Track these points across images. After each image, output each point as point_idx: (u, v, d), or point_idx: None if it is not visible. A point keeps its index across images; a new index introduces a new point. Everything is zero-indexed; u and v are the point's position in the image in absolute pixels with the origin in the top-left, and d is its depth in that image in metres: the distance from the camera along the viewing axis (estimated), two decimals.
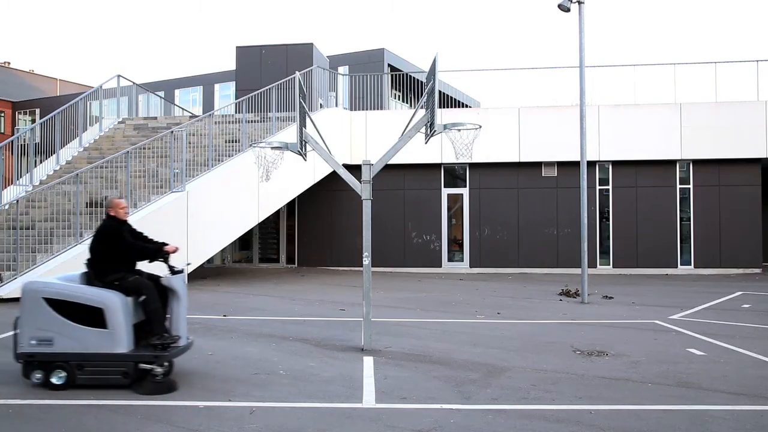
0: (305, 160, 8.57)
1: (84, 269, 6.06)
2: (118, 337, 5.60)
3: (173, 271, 6.06)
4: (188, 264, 6.09)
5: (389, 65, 29.53)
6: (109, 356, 5.58)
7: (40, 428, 4.71)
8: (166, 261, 6.09)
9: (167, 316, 5.95)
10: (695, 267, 18.27)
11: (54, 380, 5.56)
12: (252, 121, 16.65)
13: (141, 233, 6.42)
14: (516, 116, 18.54)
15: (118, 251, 5.99)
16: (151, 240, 6.38)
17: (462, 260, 19.00)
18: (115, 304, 5.65)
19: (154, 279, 6.03)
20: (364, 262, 7.60)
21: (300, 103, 8.01)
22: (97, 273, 5.91)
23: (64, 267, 11.83)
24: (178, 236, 13.65)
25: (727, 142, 17.90)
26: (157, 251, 6.12)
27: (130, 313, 5.78)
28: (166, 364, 5.70)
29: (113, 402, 5.33)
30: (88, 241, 12.25)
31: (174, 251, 6.12)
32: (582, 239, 12.47)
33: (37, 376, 5.59)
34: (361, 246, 8.00)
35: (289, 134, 14.87)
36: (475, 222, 18.91)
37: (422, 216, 19.09)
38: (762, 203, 18.61)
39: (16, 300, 10.98)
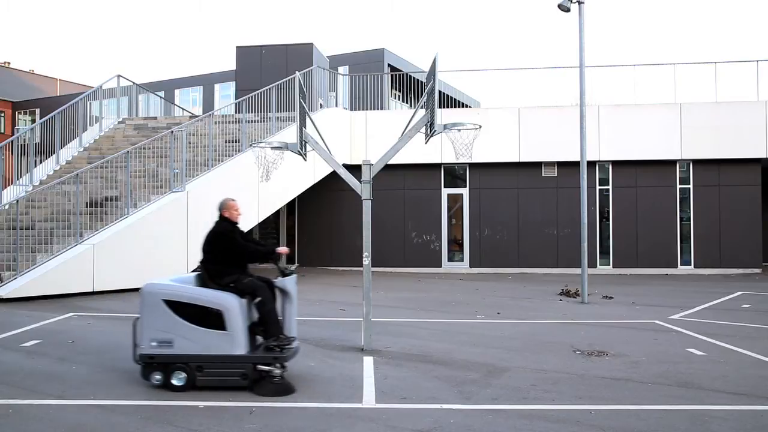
0: (305, 160, 8.57)
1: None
2: (237, 338, 5.60)
3: (284, 273, 6.06)
4: (296, 265, 6.05)
5: (389, 65, 29.54)
6: (229, 358, 5.59)
7: (40, 428, 4.71)
8: (276, 263, 6.09)
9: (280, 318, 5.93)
10: (695, 267, 18.27)
11: (174, 382, 5.57)
12: (252, 121, 16.65)
13: (248, 235, 6.36)
14: (516, 116, 18.54)
15: (231, 253, 5.96)
16: (261, 242, 6.37)
17: (462, 260, 19.00)
18: (234, 306, 5.66)
19: (265, 280, 6.02)
20: (364, 262, 7.60)
21: (300, 103, 8.01)
22: (211, 275, 5.89)
23: (65, 267, 11.85)
24: (178, 236, 13.66)
25: (727, 142, 17.90)
26: (270, 253, 6.11)
27: (246, 315, 5.79)
28: (284, 365, 5.72)
29: (113, 402, 5.33)
30: (88, 241, 12.33)
31: (286, 253, 6.10)
32: (582, 239, 12.47)
33: (157, 377, 5.62)
34: (361, 246, 8.00)
35: (289, 134, 14.87)
36: (475, 222, 18.91)
37: (422, 216, 19.09)
38: (762, 203, 18.62)
39: (16, 300, 11.02)
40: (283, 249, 6.14)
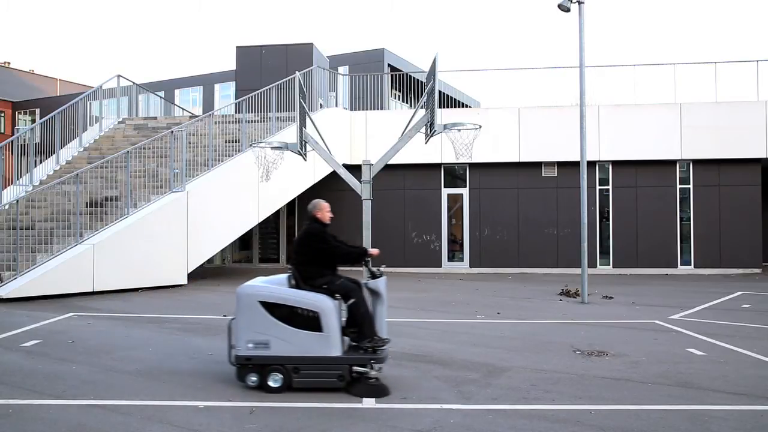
0: (305, 160, 8.57)
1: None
2: (333, 340, 5.61)
3: (374, 275, 6.03)
4: (383, 266, 6.04)
5: (389, 65, 29.53)
6: (326, 359, 5.59)
7: (40, 428, 4.71)
8: (367, 265, 6.09)
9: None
10: (695, 267, 18.27)
11: (271, 383, 5.57)
12: (252, 121, 16.65)
13: (334, 237, 6.34)
14: (516, 116, 18.54)
15: (324, 254, 5.96)
16: (349, 244, 6.28)
17: (462, 260, 19.00)
18: (330, 307, 5.67)
19: (357, 282, 6.02)
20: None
21: (300, 103, 8.01)
22: (304, 277, 5.87)
23: (65, 267, 11.85)
24: (178, 236, 13.67)
25: (727, 142, 17.90)
26: (362, 255, 6.11)
27: (340, 317, 5.79)
28: (379, 366, 5.72)
29: (113, 402, 5.33)
30: (88, 241, 12.32)
31: (377, 254, 6.08)
32: (582, 239, 12.47)
33: (253, 378, 5.62)
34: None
35: (289, 134, 14.87)
36: (475, 222, 18.91)
37: (422, 216, 19.08)
38: (762, 203, 18.62)
39: (16, 300, 11.02)
40: (374, 251, 6.14)
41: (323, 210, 6.23)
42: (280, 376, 5.57)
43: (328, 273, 5.95)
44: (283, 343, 5.58)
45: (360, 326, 5.75)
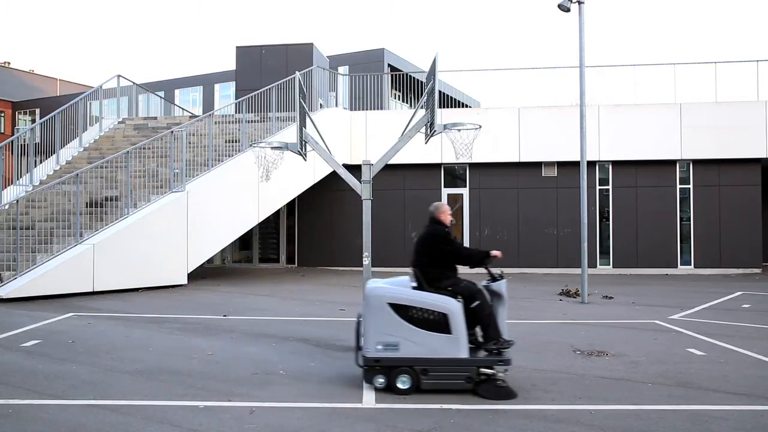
0: (305, 160, 8.57)
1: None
2: (461, 342, 5.61)
3: (494, 277, 6.02)
4: (502, 270, 6.15)
5: (389, 65, 29.52)
6: (454, 361, 5.59)
7: (40, 428, 4.71)
8: (487, 267, 6.05)
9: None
10: (695, 267, 18.27)
11: (399, 385, 5.56)
12: (252, 121, 16.65)
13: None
14: (516, 116, 18.53)
15: (448, 255, 5.97)
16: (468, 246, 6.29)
17: None
18: (458, 309, 5.66)
19: (473, 284, 6.00)
20: (364, 262, 7.60)
21: (300, 103, 8.01)
22: (429, 278, 5.88)
23: (65, 267, 11.85)
24: (178, 236, 13.67)
25: (727, 142, 17.90)
26: (485, 256, 6.05)
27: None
28: (505, 369, 5.73)
29: (114, 402, 5.33)
30: (88, 241, 12.32)
31: (500, 257, 6.06)
32: (582, 239, 12.47)
33: (380, 380, 5.61)
34: (361, 246, 8.00)
35: (289, 134, 14.87)
36: (475, 222, 18.91)
37: (422, 216, 18.91)
38: (762, 203, 18.62)
39: (16, 300, 11.02)
40: (496, 252, 6.11)
41: (445, 212, 6.21)
42: (409, 377, 5.57)
43: (451, 275, 5.97)
44: (412, 344, 5.59)
45: (485, 328, 5.75)
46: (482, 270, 6.02)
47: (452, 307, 5.65)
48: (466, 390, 5.58)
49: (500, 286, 5.95)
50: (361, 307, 5.99)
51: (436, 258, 5.93)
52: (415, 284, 5.94)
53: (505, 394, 5.54)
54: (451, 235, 6.14)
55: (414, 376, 5.55)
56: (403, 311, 5.64)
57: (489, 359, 5.67)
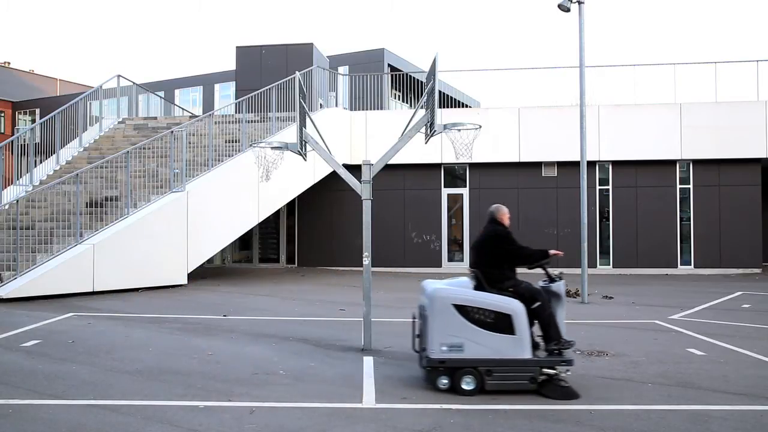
0: (305, 160, 8.57)
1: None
2: (525, 342, 5.64)
3: (552, 278, 6.05)
4: (561, 272, 6.21)
5: (389, 65, 29.52)
6: (518, 362, 5.62)
7: (40, 428, 4.71)
8: (545, 268, 6.07)
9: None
10: (695, 267, 18.27)
11: (464, 386, 5.58)
12: (252, 121, 16.65)
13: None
14: (516, 116, 18.54)
15: (509, 255, 5.99)
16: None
17: (462, 260, 18.98)
18: (522, 310, 5.70)
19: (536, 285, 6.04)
20: (364, 262, 7.60)
21: (300, 103, 8.01)
22: (490, 279, 5.90)
23: (65, 267, 11.85)
24: (178, 236, 13.67)
25: (727, 142, 17.90)
26: (544, 256, 6.04)
27: None
28: (567, 369, 5.77)
29: (114, 402, 5.33)
30: (88, 241, 12.31)
31: (561, 255, 6.09)
32: (582, 239, 12.47)
33: (444, 381, 5.62)
34: (361, 246, 8.00)
35: (289, 134, 14.87)
36: (475, 222, 18.89)
37: (422, 216, 19.08)
38: (762, 203, 18.61)
39: (16, 300, 11.02)
40: (556, 251, 6.12)
41: (506, 214, 6.25)
42: (473, 378, 5.59)
43: (511, 276, 5.99)
44: (476, 345, 5.61)
45: (546, 329, 5.77)
46: (535, 270, 6.04)
47: (516, 308, 5.69)
48: (529, 390, 5.61)
49: (559, 286, 5.99)
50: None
51: (497, 258, 5.96)
52: (475, 285, 5.96)
53: (569, 394, 5.57)
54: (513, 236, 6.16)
55: (478, 377, 5.59)
56: (468, 312, 5.67)
57: (552, 359, 5.71)
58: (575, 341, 5.88)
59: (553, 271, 6.09)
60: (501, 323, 5.63)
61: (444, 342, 5.61)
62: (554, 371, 5.68)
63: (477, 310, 5.67)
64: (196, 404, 5.27)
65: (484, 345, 5.61)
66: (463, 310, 5.66)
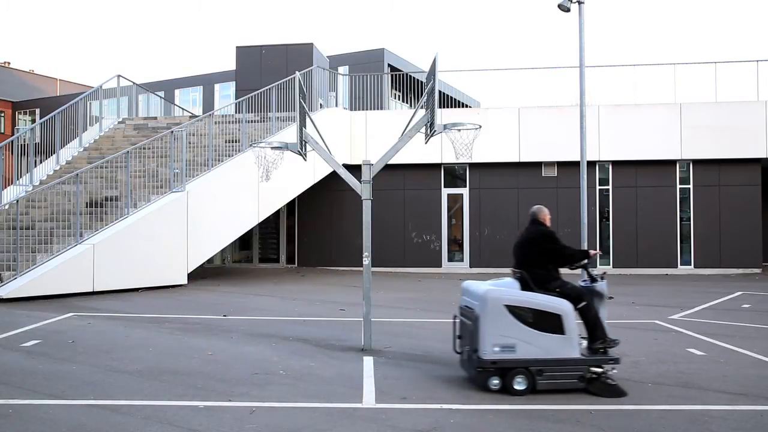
0: (305, 160, 8.57)
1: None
2: (574, 342, 5.72)
3: (593, 277, 6.12)
4: (605, 272, 6.38)
5: (389, 65, 29.52)
6: (568, 361, 5.68)
7: (40, 428, 4.71)
8: (586, 267, 6.16)
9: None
10: (695, 267, 18.26)
11: (516, 386, 5.61)
12: (252, 121, 16.65)
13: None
14: (516, 116, 18.54)
15: (553, 255, 6.07)
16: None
17: (462, 260, 19.00)
18: (571, 310, 5.78)
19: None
20: (364, 262, 7.60)
21: (300, 103, 8.01)
22: (537, 280, 5.96)
23: (65, 267, 11.85)
24: (178, 236, 13.67)
25: (727, 142, 17.90)
26: (585, 255, 6.16)
27: None
28: (612, 367, 5.83)
29: (114, 402, 5.33)
30: (88, 241, 12.31)
31: (599, 254, 6.17)
32: (582, 239, 12.47)
33: (495, 382, 5.65)
34: (361, 246, 8.00)
35: (289, 134, 14.86)
36: (475, 222, 18.91)
37: (422, 216, 19.08)
38: (762, 203, 18.61)
39: (16, 300, 11.02)
40: (595, 251, 6.25)
41: (547, 215, 6.36)
42: (524, 378, 5.62)
43: (557, 276, 6.06)
44: (528, 346, 5.66)
45: (592, 328, 5.84)
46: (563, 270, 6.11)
47: (566, 308, 5.76)
48: (577, 389, 5.65)
49: (603, 286, 6.07)
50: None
51: (541, 258, 6.02)
52: (521, 286, 5.99)
53: (617, 392, 5.62)
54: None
55: (529, 377, 5.62)
56: (519, 313, 5.71)
57: (600, 358, 5.77)
58: (620, 340, 5.96)
59: (597, 271, 6.22)
60: (551, 323, 5.70)
61: (496, 343, 5.64)
62: (601, 369, 5.74)
63: (528, 310, 5.72)
64: (196, 404, 5.27)
65: (535, 345, 5.66)
66: (515, 311, 5.71)
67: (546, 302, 5.77)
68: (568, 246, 6.16)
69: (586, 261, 6.10)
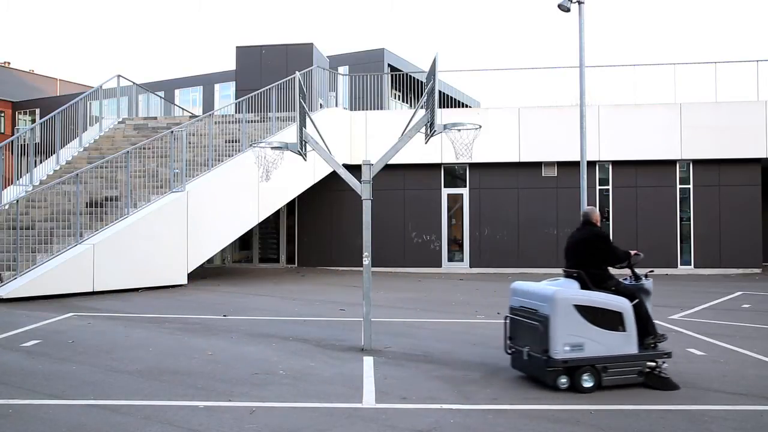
0: (305, 160, 8.57)
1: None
2: (633, 338, 5.92)
3: (637, 276, 6.40)
4: (651, 271, 6.68)
5: (389, 65, 29.52)
6: (629, 357, 5.89)
7: (40, 428, 4.71)
8: (632, 267, 6.43)
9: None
10: (695, 267, 18.26)
11: (585, 384, 5.74)
12: (252, 121, 16.65)
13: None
14: (516, 116, 18.53)
15: (607, 255, 6.30)
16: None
17: (462, 260, 19.00)
18: (629, 307, 5.98)
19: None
20: (364, 262, 7.60)
21: (300, 103, 8.01)
22: (595, 279, 6.15)
23: (65, 267, 11.85)
24: (178, 236, 13.67)
25: (727, 142, 17.89)
26: (629, 255, 6.41)
27: None
28: (663, 361, 6.02)
29: (114, 402, 5.33)
30: (88, 241, 12.31)
31: (640, 256, 6.49)
32: None
33: (563, 381, 5.76)
34: (361, 246, 8.00)
35: (289, 134, 14.86)
36: (475, 222, 18.90)
37: (422, 216, 19.08)
38: (762, 203, 18.61)
39: (16, 300, 11.02)
40: (636, 252, 6.48)
41: (598, 216, 6.67)
42: (591, 376, 5.75)
43: (611, 275, 6.26)
44: (594, 344, 5.82)
45: (645, 324, 6.02)
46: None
47: (626, 305, 5.97)
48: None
49: (649, 284, 6.36)
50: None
51: (595, 259, 6.23)
52: (580, 285, 6.14)
53: (671, 385, 5.85)
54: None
55: (595, 374, 5.76)
56: (587, 313, 5.85)
57: (655, 353, 5.99)
58: (668, 335, 6.16)
59: (642, 271, 6.52)
60: (614, 321, 5.89)
61: (567, 342, 5.76)
62: (655, 363, 5.93)
63: (594, 309, 5.87)
64: (196, 404, 5.28)
65: (601, 343, 5.82)
66: (583, 311, 5.85)
67: (609, 301, 5.96)
68: (617, 246, 6.43)
69: (631, 261, 6.38)
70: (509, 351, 6.30)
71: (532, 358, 5.92)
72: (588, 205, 13.74)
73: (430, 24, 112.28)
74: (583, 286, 6.07)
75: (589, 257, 6.21)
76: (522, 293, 6.32)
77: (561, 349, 5.72)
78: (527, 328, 6.03)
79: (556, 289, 5.96)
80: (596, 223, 6.50)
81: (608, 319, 5.86)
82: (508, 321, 6.38)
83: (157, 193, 13.99)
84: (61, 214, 13.33)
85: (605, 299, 5.95)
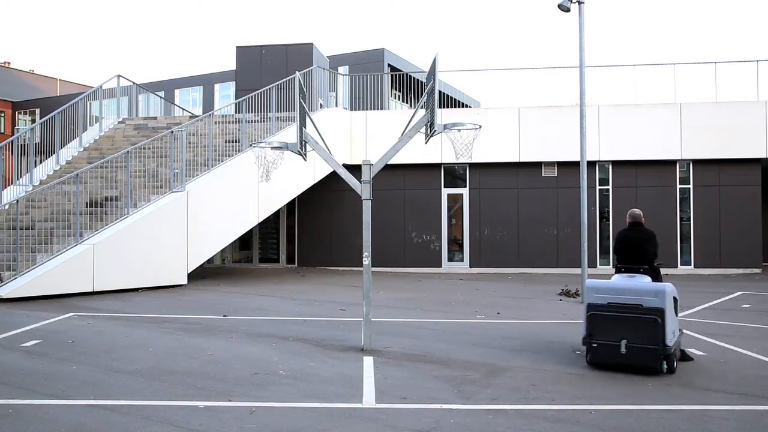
0: (305, 160, 8.57)
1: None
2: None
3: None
4: (660, 263, 7.36)
5: (389, 65, 29.53)
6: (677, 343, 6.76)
7: (40, 428, 4.71)
8: (658, 265, 7.21)
9: None
10: (695, 267, 18.26)
11: (674, 365, 6.43)
12: (252, 121, 16.65)
13: None
14: (516, 116, 18.53)
15: (654, 255, 7.03)
16: None
17: (462, 260, 19.00)
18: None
19: None
20: (364, 262, 7.60)
21: (300, 103, 8.01)
22: (655, 275, 6.92)
23: (65, 267, 11.85)
24: (178, 236, 13.67)
25: (727, 142, 17.89)
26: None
27: None
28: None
29: (114, 402, 5.33)
30: (88, 241, 12.31)
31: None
32: (582, 239, 12.46)
33: (665, 366, 6.34)
34: (361, 246, 8.00)
35: (289, 134, 14.87)
36: (475, 222, 18.90)
37: (422, 216, 19.08)
38: (762, 203, 18.61)
39: (16, 300, 11.02)
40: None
41: (643, 218, 7.35)
42: (674, 360, 6.46)
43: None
44: (676, 329, 6.64)
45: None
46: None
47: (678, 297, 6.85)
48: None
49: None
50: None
51: (652, 256, 6.98)
52: (650, 279, 6.83)
53: (689, 357, 6.96)
54: None
55: (674, 359, 6.48)
56: (675, 303, 6.66)
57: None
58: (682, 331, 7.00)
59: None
60: (676, 309, 6.75)
61: (673, 330, 6.47)
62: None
63: (676, 300, 6.68)
64: (196, 404, 5.27)
65: (676, 329, 6.59)
66: (675, 302, 6.63)
67: (676, 292, 6.71)
68: None
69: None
70: (593, 345, 6.59)
71: (634, 349, 6.32)
72: (587, 205, 13.74)
73: (430, 24, 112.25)
74: (654, 280, 6.79)
75: (649, 255, 6.93)
76: (611, 290, 6.69)
77: (671, 337, 6.35)
78: (625, 321, 6.44)
79: (666, 284, 6.62)
80: (643, 223, 7.19)
81: (677, 308, 6.70)
82: (590, 317, 6.65)
83: (157, 193, 13.99)
84: (61, 214, 13.33)
85: (675, 291, 6.66)
